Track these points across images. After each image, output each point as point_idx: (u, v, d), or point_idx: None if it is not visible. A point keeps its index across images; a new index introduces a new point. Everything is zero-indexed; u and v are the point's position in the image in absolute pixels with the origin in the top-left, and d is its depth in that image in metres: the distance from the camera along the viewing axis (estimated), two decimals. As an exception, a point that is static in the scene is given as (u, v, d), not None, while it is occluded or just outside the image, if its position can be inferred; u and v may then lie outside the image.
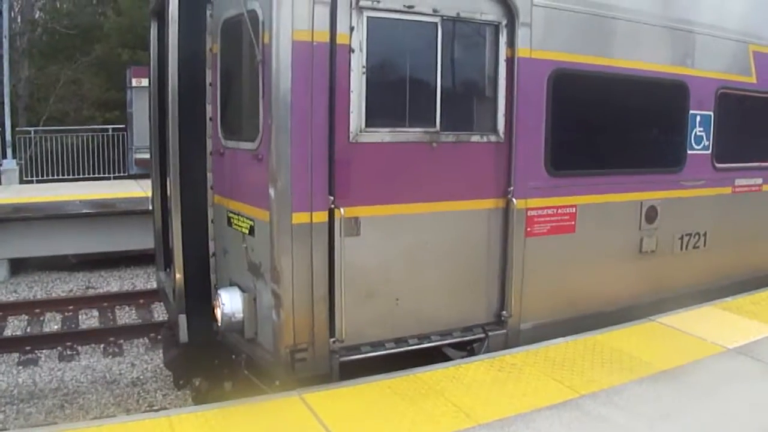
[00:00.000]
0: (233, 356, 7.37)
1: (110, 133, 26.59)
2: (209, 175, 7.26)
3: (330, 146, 6.25)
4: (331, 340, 6.46)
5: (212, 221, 7.30)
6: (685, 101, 8.82)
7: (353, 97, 6.35)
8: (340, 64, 6.26)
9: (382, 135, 6.55)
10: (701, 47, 8.84)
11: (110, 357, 11.63)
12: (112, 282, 16.41)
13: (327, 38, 6.18)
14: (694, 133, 8.97)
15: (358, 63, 6.35)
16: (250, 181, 6.74)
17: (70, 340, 12.07)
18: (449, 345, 7.27)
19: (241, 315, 6.75)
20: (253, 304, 6.75)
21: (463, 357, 7.22)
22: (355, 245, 6.51)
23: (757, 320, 8.33)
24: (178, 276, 7.10)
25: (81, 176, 25.51)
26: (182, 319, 7.17)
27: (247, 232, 6.77)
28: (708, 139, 9.14)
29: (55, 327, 13.08)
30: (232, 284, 7.07)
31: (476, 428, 5.53)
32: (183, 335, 7.20)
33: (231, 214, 7.05)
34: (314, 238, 6.27)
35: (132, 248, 16.62)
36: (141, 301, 14.39)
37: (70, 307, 13.99)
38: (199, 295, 7.18)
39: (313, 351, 6.40)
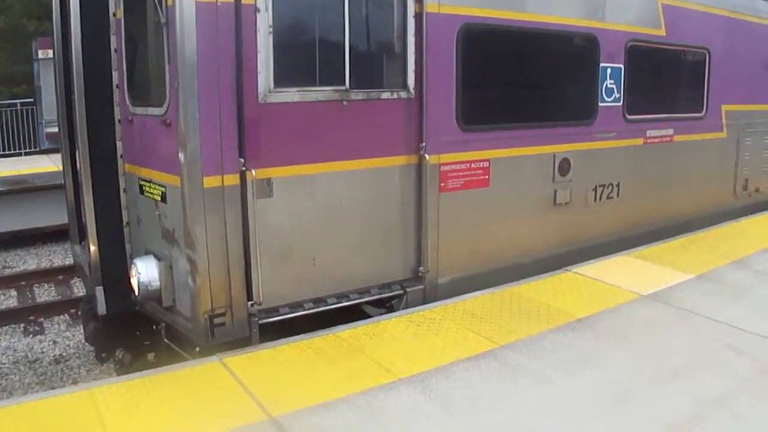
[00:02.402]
0: (153, 326, 7.30)
1: (18, 108, 25.59)
2: (119, 143, 7.10)
3: (239, 108, 6.16)
4: (249, 303, 6.44)
5: (124, 190, 7.16)
6: (596, 54, 8.96)
7: (260, 57, 6.25)
8: (246, 25, 6.15)
9: (291, 95, 6.48)
10: (611, 0, 8.96)
11: (31, 336, 11.38)
12: (28, 260, 15.99)
13: None
14: (605, 85, 9.11)
15: (264, 23, 6.24)
16: (159, 147, 6.62)
17: (-13, 321, 11.79)
18: (368, 303, 7.33)
19: (158, 283, 6.68)
20: (170, 271, 6.68)
21: (382, 314, 7.27)
22: (269, 207, 6.47)
23: (671, 267, 8.58)
24: (93, 248, 7.02)
25: (-10, 153, 24.77)
26: (99, 291, 7.10)
27: (159, 199, 6.67)
28: (619, 92, 9.31)
29: (-28, 309, 12.76)
30: (147, 253, 6.96)
31: (397, 383, 5.58)
32: (101, 308, 7.13)
33: (142, 182, 6.93)
34: (227, 201, 6.20)
35: (48, 224, 16.27)
36: (60, 277, 14.07)
37: (-13, 288, 13.66)
38: (115, 266, 7.11)
39: (231, 315, 6.37)
